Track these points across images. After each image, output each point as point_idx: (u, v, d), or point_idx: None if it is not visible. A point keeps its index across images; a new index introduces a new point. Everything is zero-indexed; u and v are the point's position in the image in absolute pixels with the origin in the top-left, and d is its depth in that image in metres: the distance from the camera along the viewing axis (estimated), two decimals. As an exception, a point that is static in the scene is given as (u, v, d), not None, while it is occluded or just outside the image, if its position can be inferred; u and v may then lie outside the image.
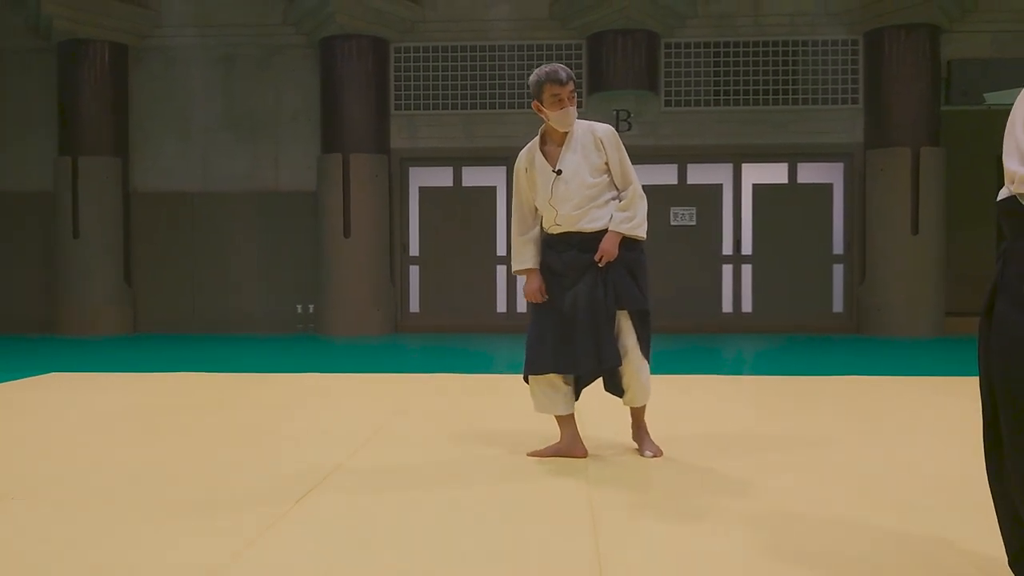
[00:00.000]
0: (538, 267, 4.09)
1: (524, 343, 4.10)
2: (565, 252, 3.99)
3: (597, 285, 3.91)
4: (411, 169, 11.87)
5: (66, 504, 3.36)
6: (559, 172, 3.95)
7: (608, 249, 3.88)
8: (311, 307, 11.71)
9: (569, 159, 3.95)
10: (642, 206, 3.97)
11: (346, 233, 11.21)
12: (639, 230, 3.94)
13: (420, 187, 11.89)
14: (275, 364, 8.25)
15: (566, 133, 3.99)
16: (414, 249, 11.91)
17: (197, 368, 7.74)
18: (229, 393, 6.26)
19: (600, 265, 3.89)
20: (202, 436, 4.73)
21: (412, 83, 11.65)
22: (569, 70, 3.98)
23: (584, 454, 4.08)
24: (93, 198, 11.34)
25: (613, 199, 3.98)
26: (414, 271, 11.93)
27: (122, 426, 5.05)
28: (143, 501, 3.41)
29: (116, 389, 6.50)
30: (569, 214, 3.96)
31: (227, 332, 11.69)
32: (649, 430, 4.22)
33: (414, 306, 11.94)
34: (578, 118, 4.05)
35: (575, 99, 3.96)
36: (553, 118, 3.94)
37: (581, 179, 3.93)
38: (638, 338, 3.98)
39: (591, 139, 3.96)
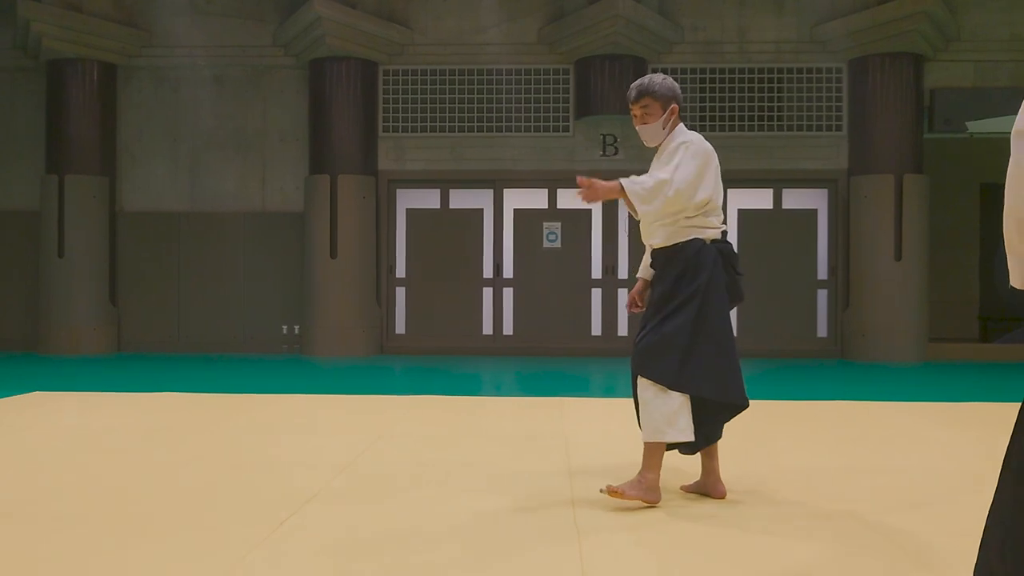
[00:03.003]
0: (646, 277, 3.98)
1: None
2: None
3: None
4: (398, 191, 11.89)
5: (47, 524, 3.34)
6: None
7: (593, 183, 3.50)
8: (297, 328, 11.68)
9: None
10: (655, 188, 3.56)
11: (333, 254, 11.21)
12: (635, 195, 3.53)
13: (407, 209, 11.91)
14: (259, 385, 8.21)
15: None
16: (400, 271, 11.91)
17: (181, 388, 7.70)
18: (209, 415, 6.24)
19: (578, 195, 3.54)
20: (176, 461, 4.71)
21: (400, 105, 11.70)
22: (648, 83, 3.81)
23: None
24: (79, 217, 11.31)
25: (689, 219, 3.70)
26: (400, 292, 11.93)
27: (104, 447, 5.02)
28: (120, 523, 3.39)
29: (99, 409, 6.46)
30: (644, 229, 3.85)
31: (212, 352, 11.64)
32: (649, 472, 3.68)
33: (400, 328, 11.93)
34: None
35: (651, 116, 3.80)
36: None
37: None
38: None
39: (668, 153, 3.75)
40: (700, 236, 3.71)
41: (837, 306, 11.53)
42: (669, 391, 3.60)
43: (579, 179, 3.46)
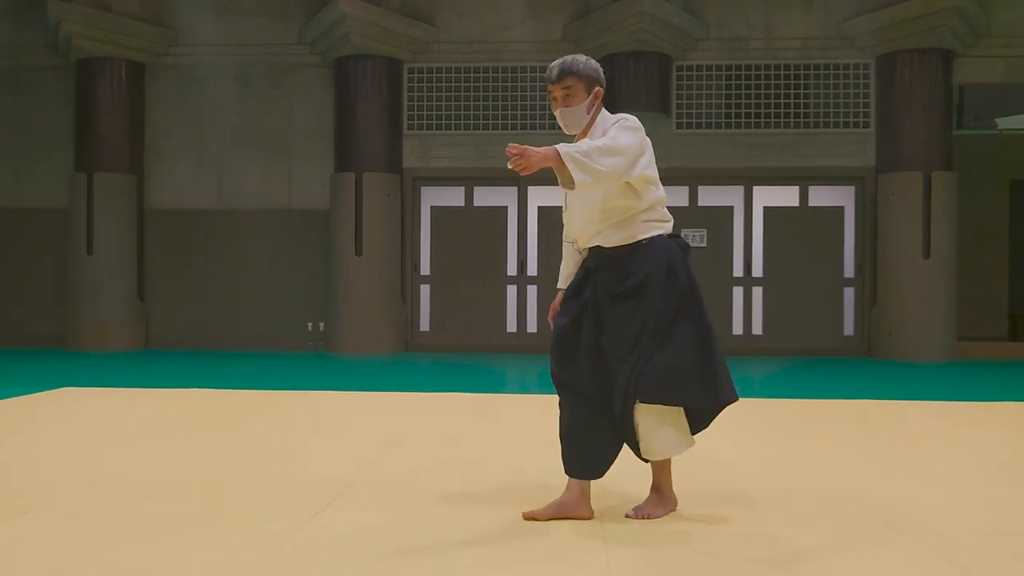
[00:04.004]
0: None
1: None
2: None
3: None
4: (423, 188, 11.92)
5: (77, 519, 3.38)
6: None
7: (526, 151, 3.06)
8: (322, 325, 11.73)
9: None
10: (591, 153, 3.15)
11: (358, 251, 11.25)
12: (572, 160, 3.11)
13: (432, 206, 11.93)
14: (285, 382, 8.26)
15: (585, 133, 3.47)
16: (425, 268, 11.94)
17: (207, 385, 7.77)
18: (236, 411, 6.28)
19: (510, 166, 3.07)
20: (203, 457, 4.74)
21: (425, 103, 11.72)
22: (571, 62, 3.46)
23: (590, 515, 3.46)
24: (108, 214, 11.42)
25: (645, 212, 3.38)
26: (425, 290, 11.96)
27: (131, 443, 5.07)
28: (147, 519, 3.42)
29: (127, 405, 6.52)
30: (581, 230, 3.49)
31: (238, 348, 11.72)
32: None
33: (424, 325, 11.95)
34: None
35: (574, 98, 3.44)
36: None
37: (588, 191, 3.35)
38: None
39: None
40: (661, 232, 3.40)
41: (864, 304, 11.44)
42: (667, 408, 3.34)
43: (510, 147, 3.03)
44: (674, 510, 3.51)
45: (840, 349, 11.48)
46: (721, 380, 3.38)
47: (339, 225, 11.34)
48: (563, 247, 3.73)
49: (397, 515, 3.45)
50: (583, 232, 3.48)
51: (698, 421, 3.50)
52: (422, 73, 11.73)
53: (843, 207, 11.60)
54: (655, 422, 3.33)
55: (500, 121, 11.59)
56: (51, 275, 11.89)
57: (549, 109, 11.41)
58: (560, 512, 3.41)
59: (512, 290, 11.85)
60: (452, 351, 11.56)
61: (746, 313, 11.66)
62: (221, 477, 4.12)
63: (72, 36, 11.18)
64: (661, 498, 3.50)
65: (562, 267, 3.71)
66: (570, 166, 3.11)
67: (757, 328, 11.65)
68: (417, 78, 11.73)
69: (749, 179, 11.50)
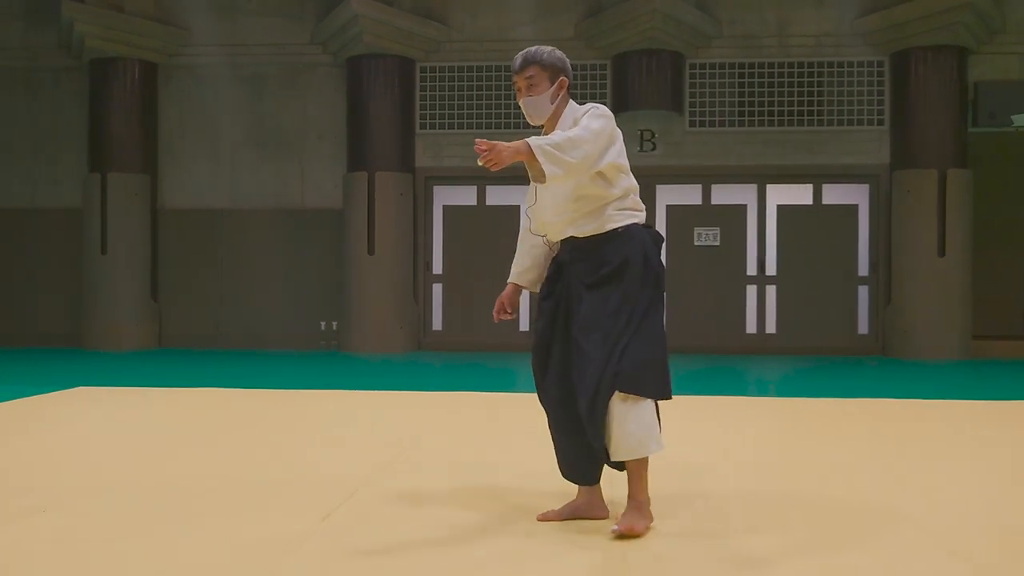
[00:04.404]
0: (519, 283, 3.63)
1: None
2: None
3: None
4: (435, 188, 11.92)
5: (90, 517, 3.39)
6: None
7: (496, 146, 2.98)
8: (335, 324, 11.75)
9: None
10: (562, 145, 3.10)
11: (370, 251, 11.26)
12: (544, 153, 3.05)
13: (444, 205, 11.93)
14: (298, 381, 8.28)
15: (554, 124, 3.41)
16: (437, 267, 11.94)
17: (220, 384, 7.79)
18: (249, 411, 6.30)
19: (480, 162, 3.00)
20: (217, 456, 4.75)
21: (437, 102, 11.71)
22: (535, 52, 3.45)
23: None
24: (122, 214, 11.46)
25: (615, 202, 3.31)
26: (437, 289, 11.96)
27: (145, 442, 5.08)
28: (161, 517, 3.43)
29: (141, 404, 6.55)
30: (552, 222, 3.40)
31: (251, 348, 11.74)
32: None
33: (437, 324, 11.96)
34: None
35: (536, 87, 3.40)
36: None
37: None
38: None
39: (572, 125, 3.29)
40: (635, 221, 3.32)
41: (879, 303, 11.38)
42: (644, 400, 3.20)
43: (478, 143, 2.97)
44: (652, 521, 3.26)
45: (854, 348, 11.42)
46: (668, 374, 3.30)
47: (352, 224, 11.35)
48: (519, 240, 3.67)
49: (410, 515, 3.45)
50: (555, 224, 3.39)
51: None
52: (434, 72, 11.73)
53: (857, 205, 11.54)
54: (629, 415, 3.14)
55: (512, 120, 11.57)
56: (65, 275, 11.94)
57: (561, 108, 11.47)
58: (574, 514, 3.40)
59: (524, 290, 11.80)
60: (465, 350, 11.56)
61: (760, 312, 11.62)
62: (234, 476, 4.13)
63: (85, 36, 11.23)
64: (641, 509, 3.22)
65: (516, 260, 3.64)
66: (541, 159, 3.05)
67: (771, 327, 11.60)
68: (429, 77, 11.74)
69: (763, 177, 11.45)
